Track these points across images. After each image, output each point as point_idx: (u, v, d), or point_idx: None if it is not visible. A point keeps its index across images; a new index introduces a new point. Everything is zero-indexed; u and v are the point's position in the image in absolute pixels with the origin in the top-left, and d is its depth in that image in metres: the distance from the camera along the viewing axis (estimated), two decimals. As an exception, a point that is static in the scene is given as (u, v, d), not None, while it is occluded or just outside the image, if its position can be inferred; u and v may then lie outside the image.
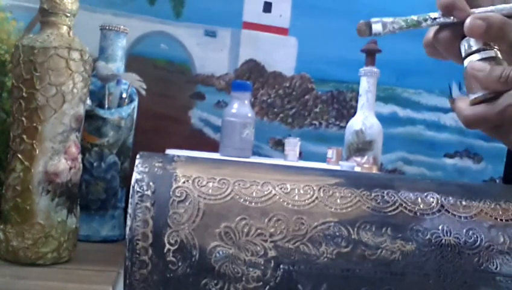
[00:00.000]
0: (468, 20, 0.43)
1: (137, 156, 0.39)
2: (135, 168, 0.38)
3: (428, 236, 0.37)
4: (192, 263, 0.35)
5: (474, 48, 0.43)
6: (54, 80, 0.63)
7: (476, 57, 0.43)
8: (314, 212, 0.37)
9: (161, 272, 0.35)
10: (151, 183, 0.36)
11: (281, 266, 0.36)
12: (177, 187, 0.37)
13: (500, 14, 0.43)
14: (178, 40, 1.05)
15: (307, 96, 1.11)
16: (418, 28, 0.46)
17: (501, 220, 0.39)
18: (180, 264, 0.35)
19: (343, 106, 1.12)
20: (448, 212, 0.38)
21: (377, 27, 0.46)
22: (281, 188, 0.38)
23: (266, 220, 0.36)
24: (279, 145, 1.08)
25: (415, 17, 0.45)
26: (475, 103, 0.43)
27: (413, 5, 1.12)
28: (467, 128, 0.44)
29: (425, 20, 0.45)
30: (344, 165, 0.87)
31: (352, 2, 1.10)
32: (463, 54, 0.44)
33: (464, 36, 0.44)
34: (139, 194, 0.36)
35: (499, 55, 0.43)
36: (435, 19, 0.45)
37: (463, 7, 0.44)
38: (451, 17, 0.44)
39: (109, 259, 0.69)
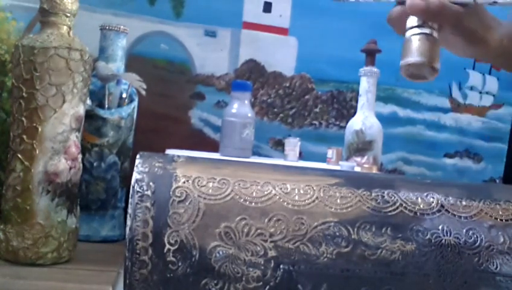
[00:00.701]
0: (408, 0, 0.49)
1: (137, 156, 0.39)
2: (135, 168, 0.38)
3: (428, 236, 0.37)
4: (192, 263, 0.35)
5: (414, 24, 0.49)
6: (54, 80, 0.63)
7: (415, 31, 0.48)
8: (314, 212, 0.37)
9: (161, 272, 0.35)
10: (151, 183, 0.36)
11: (281, 266, 0.36)
12: (177, 187, 0.37)
13: None
14: (178, 40, 1.05)
15: (307, 96, 1.11)
16: (378, 1, 0.54)
17: (501, 220, 0.39)
18: (180, 264, 0.35)
19: (343, 106, 1.12)
20: (448, 212, 0.38)
21: None
22: (281, 188, 0.38)
23: (266, 220, 0.36)
24: (279, 145, 1.08)
25: None
26: (404, 66, 0.49)
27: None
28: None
29: None
30: (344, 165, 0.87)
31: (352, 2, 1.10)
32: (406, 29, 0.49)
33: None
34: (139, 194, 0.36)
35: (435, 34, 0.48)
36: None
37: None
38: None
39: (109, 259, 0.69)
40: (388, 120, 1.09)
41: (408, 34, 0.49)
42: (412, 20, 0.49)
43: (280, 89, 1.10)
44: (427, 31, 0.48)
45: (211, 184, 0.37)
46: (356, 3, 0.55)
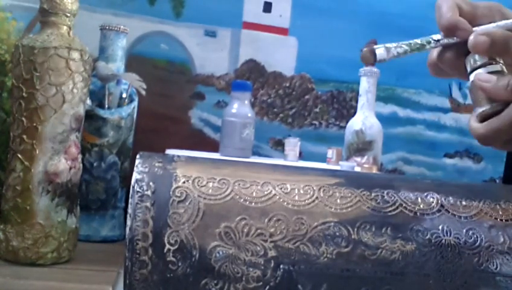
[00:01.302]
0: (471, 37, 0.44)
1: (137, 156, 0.39)
2: (135, 168, 0.38)
3: (428, 236, 0.37)
4: (192, 263, 0.35)
5: (479, 63, 0.44)
6: (54, 80, 0.63)
7: (481, 71, 0.44)
8: (314, 212, 0.37)
9: (161, 272, 0.35)
10: (151, 183, 0.36)
11: (281, 266, 0.36)
12: (177, 187, 0.37)
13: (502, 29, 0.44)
14: (178, 40, 1.05)
15: (307, 96, 1.11)
16: (421, 51, 0.46)
17: (501, 220, 0.39)
18: (180, 264, 0.35)
19: (343, 106, 1.12)
20: (448, 212, 0.38)
21: (381, 53, 0.46)
22: (281, 188, 0.38)
23: (266, 220, 0.36)
24: (279, 145, 1.08)
25: (418, 41, 0.46)
26: (483, 116, 0.43)
27: (413, 4, 1.12)
28: (486, 145, 0.44)
29: (429, 42, 0.46)
30: (344, 165, 0.87)
31: (352, 2, 1.10)
32: (468, 70, 0.45)
33: (467, 54, 0.45)
34: (139, 194, 0.36)
35: (504, 69, 0.44)
36: (438, 40, 0.46)
37: (466, 27, 0.45)
38: (454, 38, 0.45)
39: (109, 259, 0.69)
40: (388, 120, 1.10)
41: (474, 76, 0.44)
42: (474, 59, 0.44)
43: (280, 89, 1.10)
44: (497, 68, 0.43)
45: (211, 184, 0.37)
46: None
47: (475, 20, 0.46)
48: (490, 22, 0.46)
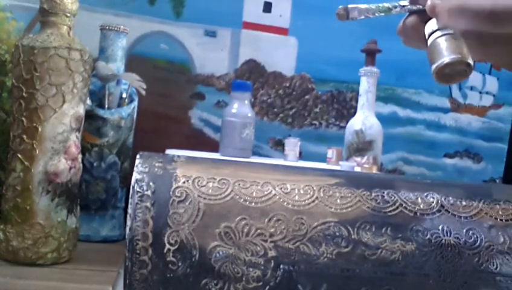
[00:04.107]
0: (429, 1, 0.48)
1: (137, 156, 0.39)
2: (135, 168, 0.38)
3: (428, 236, 0.37)
4: (192, 263, 0.35)
5: (435, 28, 0.48)
6: (54, 80, 0.63)
7: (437, 34, 0.47)
8: (314, 212, 0.37)
9: (161, 272, 0.35)
10: (151, 183, 0.36)
11: (281, 266, 0.36)
12: (177, 187, 0.37)
13: None
14: (178, 40, 1.05)
15: (307, 96, 1.11)
16: (388, 14, 0.52)
17: (501, 220, 0.39)
18: (180, 264, 0.35)
19: (343, 106, 1.12)
20: (448, 212, 0.38)
21: (353, 12, 0.52)
22: (281, 188, 0.38)
23: (266, 220, 0.36)
24: (279, 145, 1.08)
25: (386, 4, 0.52)
26: (439, 68, 0.46)
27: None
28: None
29: (395, 7, 0.51)
30: (344, 165, 0.87)
31: (352, 2, 1.10)
32: (427, 35, 0.49)
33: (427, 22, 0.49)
34: (139, 194, 0.36)
35: (458, 34, 0.47)
36: (403, 6, 0.51)
37: None
38: (418, 6, 0.50)
39: (109, 259, 0.69)
40: (388, 120, 1.10)
41: (432, 38, 0.48)
42: (432, 25, 0.48)
43: (280, 89, 1.10)
44: (450, 31, 0.47)
45: (211, 184, 0.37)
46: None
47: None
48: None
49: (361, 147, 0.95)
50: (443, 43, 0.46)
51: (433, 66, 0.46)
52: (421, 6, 0.50)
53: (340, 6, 0.53)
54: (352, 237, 0.36)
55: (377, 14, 0.52)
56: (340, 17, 0.53)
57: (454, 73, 0.46)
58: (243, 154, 0.87)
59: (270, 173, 0.39)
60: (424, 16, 0.49)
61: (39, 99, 0.62)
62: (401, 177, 0.48)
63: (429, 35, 0.48)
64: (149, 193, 0.36)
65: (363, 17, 0.52)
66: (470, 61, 0.46)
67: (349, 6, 0.52)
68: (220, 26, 1.06)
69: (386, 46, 1.00)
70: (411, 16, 0.51)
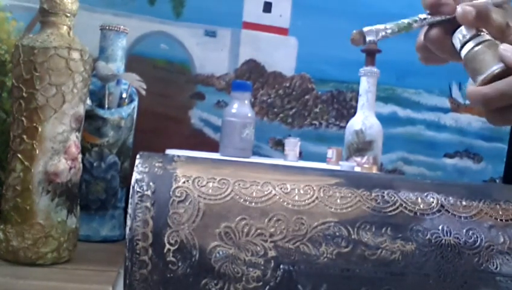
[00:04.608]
0: (458, 9, 0.45)
1: (137, 156, 0.39)
2: (135, 168, 0.38)
3: (428, 236, 0.37)
4: (192, 263, 0.35)
5: (468, 36, 0.45)
6: (54, 80, 0.63)
7: (471, 44, 0.44)
8: (314, 212, 0.37)
9: (161, 272, 0.35)
10: (151, 183, 0.36)
11: (281, 266, 0.36)
12: (177, 187, 0.37)
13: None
14: (178, 40, 1.05)
15: (307, 96, 1.11)
16: (409, 30, 0.47)
17: (501, 220, 0.39)
18: (180, 264, 0.35)
19: (343, 106, 1.12)
20: (448, 212, 0.38)
21: (370, 35, 0.47)
22: (281, 188, 0.38)
23: (266, 220, 0.36)
24: (279, 145, 1.08)
25: (405, 20, 0.47)
26: (488, 80, 0.43)
27: (413, 4, 1.12)
28: (486, 107, 0.44)
29: (415, 21, 0.47)
30: (344, 165, 0.86)
31: (352, 2, 1.10)
32: (458, 46, 0.46)
33: (454, 31, 0.46)
34: (139, 194, 0.36)
35: (492, 38, 0.45)
36: (424, 19, 0.47)
37: (449, 2, 0.46)
38: (439, 16, 0.47)
39: (109, 259, 0.69)
40: (388, 120, 1.10)
41: (467, 48, 0.45)
42: (463, 34, 0.45)
43: (280, 89, 1.10)
44: (486, 37, 0.44)
45: (211, 184, 0.37)
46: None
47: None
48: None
49: (361, 147, 0.95)
50: (485, 51, 0.44)
51: (480, 78, 0.43)
52: (443, 17, 0.46)
53: (355, 31, 0.48)
54: (352, 237, 0.36)
55: (396, 33, 0.47)
56: (356, 42, 0.48)
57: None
58: (243, 154, 0.87)
59: (270, 173, 0.39)
60: (448, 27, 0.46)
61: (39, 99, 0.62)
62: (401, 177, 0.48)
63: (463, 45, 0.45)
64: (149, 193, 0.36)
65: (381, 38, 0.48)
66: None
67: (365, 29, 0.47)
68: (220, 26, 1.06)
69: (386, 46, 1.00)
70: (433, 28, 0.47)
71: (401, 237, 0.37)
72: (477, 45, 0.44)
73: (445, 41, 0.46)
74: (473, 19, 0.44)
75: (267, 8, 1.08)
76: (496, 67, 0.43)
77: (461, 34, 0.45)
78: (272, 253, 0.36)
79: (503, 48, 0.43)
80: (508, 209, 0.39)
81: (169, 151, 0.84)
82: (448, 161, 1.17)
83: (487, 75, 0.43)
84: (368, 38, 0.48)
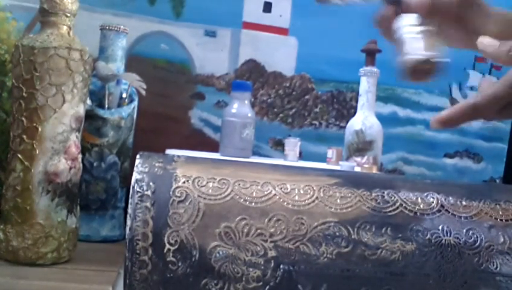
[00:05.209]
0: None
1: (137, 156, 0.39)
2: (135, 168, 0.38)
3: (428, 236, 0.37)
4: (192, 263, 0.35)
5: (412, 22, 0.47)
6: (54, 80, 0.63)
7: (414, 29, 0.47)
8: (314, 212, 0.37)
9: (161, 272, 0.35)
10: (151, 183, 0.36)
11: (281, 266, 0.36)
12: (177, 187, 0.37)
13: None
14: (178, 40, 1.05)
15: (307, 96, 1.11)
16: (368, 1, 0.53)
17: (501, 220, 0.39)
18: (180, 264, 0.35)
19: (343, 106, 1.12)
20: (448, 212, 0.38)
21: None
22: (281, 188, 0.38)
23: (266, 220, 0.36)
24: (279, 145, 1.08)
25: None
26: (412, 63, 0.45)
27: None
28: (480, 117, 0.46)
29: None
30: (344, 165, 0.87)
31: (352, 2, 1.10)
32: (399, 28, 0.48)
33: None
34: (139, 194, 0.36)
35: (434, 31, 0.47)
36: None
37: None
38: None
39: (109, 259, 0.69)
40: (388, 120, 1.09)
41: (403, 31, 0.47)
42: (409, 19, 0.48)
43: (280, 89, 1.10)
44: (429, 28, 0.47)
45: (211, 184, 0.37)
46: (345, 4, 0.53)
47: None
48: None
49: (361, 147, 0.95)
50: (420, 39, 0.46)
51: (404, 59, 0.45)
52: None
53: None
54: (352, 237, 0.36)
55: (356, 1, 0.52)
56: (322, 0, 0.53)
57: (420, 70, 0.45)
58: (243, 154, 0.87)
59: (270, 173, 0.39)
60: (399, 9, 0.49)
61: (39, 99, 0.62)
62: (401, 177, 0.48)
63: (401, 29, 0.48)
64: (149, 193, 0.36)
65: (344, 3, 0.52)
66: (437, 59, 0.45)
67: None
68: (220, 26, 1.06)
69: (386, 46, 1.00)
70: (388, 7, 0.50)
71: (401, 237, 0.37)
72: (411, 31, 0.47)
73: (392, 20, 0.49)
74: (424, 9, 0.47)
75: (267, 8, 1.08)
76: (423, 54, 0.45)
77: (405, 17, 0.48)
78: (272, 253, 0.36)
79: (480, 40, 0.45)
80: (508, 209, 0.39)
81: (169, 151, 0.84)
82: (448, 161, 1.18)
83: (413, 58, 0.45)
84: (333, 1, 0.52)
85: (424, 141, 1.16)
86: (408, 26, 0.47)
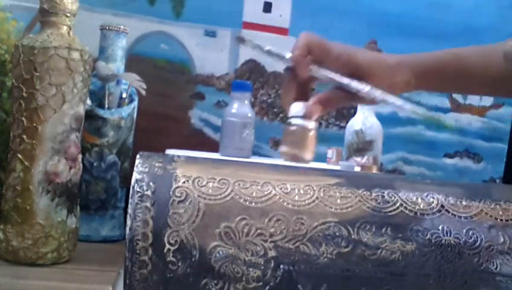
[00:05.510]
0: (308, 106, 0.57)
1: (137, 156, 0.39)
2: (135, 168, 0.38)
3: (428, 236, 0.37)
4: (192, 263, 0.35)
5: (298, 114, 0.56)
6: (54, 80, 0.63)
7: (297, 121, 0.56)
8: (314, 212, 0.37)
9: (161, 272, 0.35)
10: (151, 183, 0.36)
11: (281, 266, 0.36)
12: (177, 187, 0.37)
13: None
14: (178, 40, 1.05)
15: (307, 96, 1.11)
16: (275, 60, 0.57)
17: (501, 220, 0.39)
18: (180, 264, 0.35)
19: (343, 106, 1.12)
20: (448, 212, 0.38)
21: (248, 44, 0.57)
22: (281, 188, 0.38)
23: (266, 220, 0.36)
24: (279, 145, 1.08)
25: (274, 51, 0.57)
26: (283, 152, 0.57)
27: (413, 4, 1.12)
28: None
29: (283, 58, 0.58)
30: (344, 165, 0.86)
31: (352, 2, 1.10)
32: (290, 114, 0.56)
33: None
34: (139, 194, 0.36)
35: (313, 126, 0.57)
36: (286, 58, 0.57)
37: (303, 68, 0.58)
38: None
39: (109, 259, 0.69)
40: (388, 120, 1.09)
41: (293, 121, 0.56)
42: (297, 107, 0.56)
43: (280, 89, 1.10)
44: (307, 124, 0.56)
45: (211, 184, 0.37)
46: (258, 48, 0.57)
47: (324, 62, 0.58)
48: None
49: (361, 147, 0.95)
50: (293, 133, 0.55)
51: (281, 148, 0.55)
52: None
53: (240, 35, 0.57)
54: (352, 237, 0.36)
55: (265, 55, 0.56)
56: (238, 40, 0.59)
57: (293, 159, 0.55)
58: (243, 154, 0.87)
59: (270, 173, 0.39)
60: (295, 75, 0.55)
61: (39, 99, 0.62)
62: (401, 177, 0.48)
63: (291, 118, 0.55)
64: (149, 193, 0.36)
65: (253, 48, 0.56)
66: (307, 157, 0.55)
67: (247, 38, 0.57)
68: (220, 26, 1.06)
69: (386, 46, 1.00)
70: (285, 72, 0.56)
71: (401, 237, 0.37)
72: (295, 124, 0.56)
73: (292, 87, 0.57)
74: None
75: (267, 8, 1.08)
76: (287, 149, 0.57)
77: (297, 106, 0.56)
78: (272, 253, 0.36)
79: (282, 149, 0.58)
80: (508, 209, 0.39)
81: (169, 151, 0.84)
82: (448, 160, 1.17)
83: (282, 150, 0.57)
84: (245, 45, 0.57)
85: (424, 141, 1.16)
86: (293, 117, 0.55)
